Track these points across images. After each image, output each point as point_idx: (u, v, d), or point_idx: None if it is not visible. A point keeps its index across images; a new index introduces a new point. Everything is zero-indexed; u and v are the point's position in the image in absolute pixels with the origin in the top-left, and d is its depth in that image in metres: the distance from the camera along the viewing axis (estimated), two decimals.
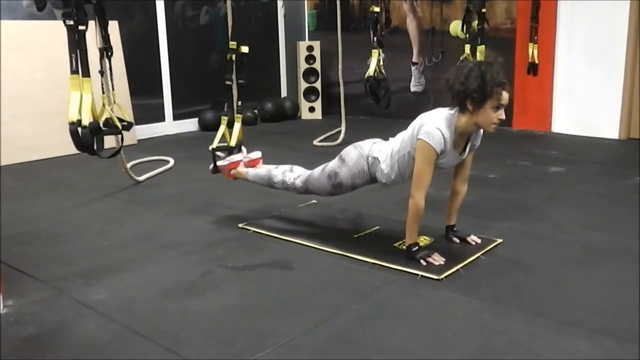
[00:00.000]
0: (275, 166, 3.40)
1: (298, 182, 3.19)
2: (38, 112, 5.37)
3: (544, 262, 2.80)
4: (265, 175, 3.34)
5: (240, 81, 3.72)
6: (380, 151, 2.91)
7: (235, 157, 3.55)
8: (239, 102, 3.78)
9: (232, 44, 3.66)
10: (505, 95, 2.58)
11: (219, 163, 3.55)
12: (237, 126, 3.68)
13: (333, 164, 3.04)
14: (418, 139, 2.66)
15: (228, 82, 3.71)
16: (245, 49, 3.65)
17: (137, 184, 4.46)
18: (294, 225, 3.37)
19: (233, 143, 3.63)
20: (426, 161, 2.66)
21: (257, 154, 3.59)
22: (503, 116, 2.62)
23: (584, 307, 2.34)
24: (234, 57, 3.65)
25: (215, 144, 3.58)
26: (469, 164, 2.93)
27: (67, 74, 3.32)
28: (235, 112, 3.75)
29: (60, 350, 2.12)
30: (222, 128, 3.66)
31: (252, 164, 3.54)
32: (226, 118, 3.68)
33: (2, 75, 5.12)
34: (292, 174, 3.25)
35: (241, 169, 3.49)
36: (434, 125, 2.64)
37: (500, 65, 2.60)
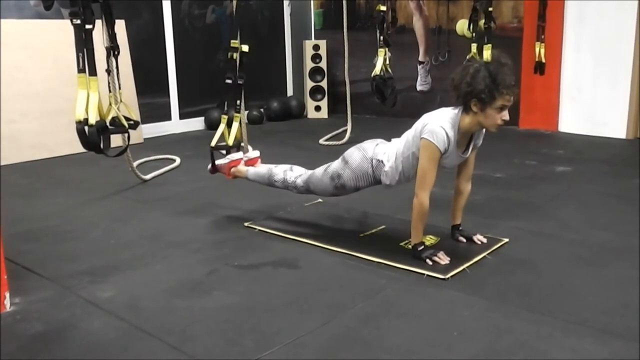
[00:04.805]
0: (275, 165, 3.40)
1: (299, 182, 3.19)
2: (45, 111, 5.40)
3: (550, 262, 2.79)
4: (266, 174, 3.34)
5: (240, 81, 3.69)
6: (385, 153, 2.90)
7: (235, 155, 3.55)
8: (237, 102, 3.75)
9: (235, 43, 3.64)
10: (507, 98, 2.57)
11: (219, 161, 3.55)
12: (235, 125, 3.69)
13: (336, 166, 3.03)
14: (422, 138, 2.66)
15: (228, 81, 3.69)
16: (245, 48, 3.63)
17: (144, 182, 4.47)
18: (300, 224, 3.38)
19: (231, 142, 3.64)
20: (430, 160, 2.66)
21: (255, 153, 3.59)
22: (507, 117, 2.61)
23: (590, 306, 2.33)
24: (235, 55, 3.63)
25: (213, 142, 3.59)
26: (472, 163, 2.93)
27: (74, 72, 3.33)
28: (234, 111, 3.72)
29: (67, 347, 2.13)
30: (222, 127, 3.66)
31: (250, 162, 3.53)
32: (226, 117, 3.68)
33: (10, 73, 5.14)
34: (293, 172, 3.25)
35: (241, 167, 3.49)
36: (438, 124, 2.63)
37: (510, 67, 2.59)
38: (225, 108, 3.73)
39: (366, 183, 2.98)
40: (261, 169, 3.43)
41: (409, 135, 2.82)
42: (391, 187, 2.96)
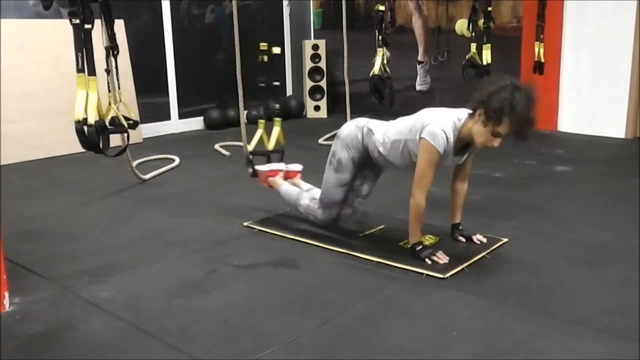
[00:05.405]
0: (309, 187, 3.35)
1: (316, 205, 3.13)
2: (45, 111, 5.39)
3: (549, 262, 2.79)
4: (294, 195, 3.27)
5: (276, 83, 3.61)
6: (376, 125, 2.94)
7: (275, 166, 3.46)
8: (276, 105, 3.67)
9: (263, 45, 3.57)
10: (510, 129, 2.52)
11: (258, 167, 3.45)
12: (277, 130, 3.60)
13: (331, 148, 3.07)
14: (421, 137, 2.66)
15: (262, 84, 3.59)
16: (277, 50, 3.54)
17: (143, 182, 4.46)
18: (299, 224, 3.37)
19: (271, 147, 3.56)
20: (429, 162, 2.66)
21: (297, 167, 3.50)
22: (496, 144, 2.58)
23: (590, 306, 2.33)
24: (265, 58, 3.56)
25: (251, 147, 3.50)
26: (469, 165, 2.94)
27: (74, 72, 3.33)
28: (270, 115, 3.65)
29: (66, 347, 2.13)
30: (260, 132, 3.56)
31: (290, 175, 3.44)
32: (263, 121, 3.58)
33: (9, 73, 5.14)
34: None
35: (278, 179, 3.39)
36: (439, 126, 2.63)
37: (534, 103, 2.51)
38: (262, 112, 3.64)
39: (357, 152, 2.96)
40: (294, 188, 3.34)
41: (406, 123, 2.82)
42: (377, 162, 2.96)
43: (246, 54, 4.95)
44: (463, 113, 2.69)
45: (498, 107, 2.47)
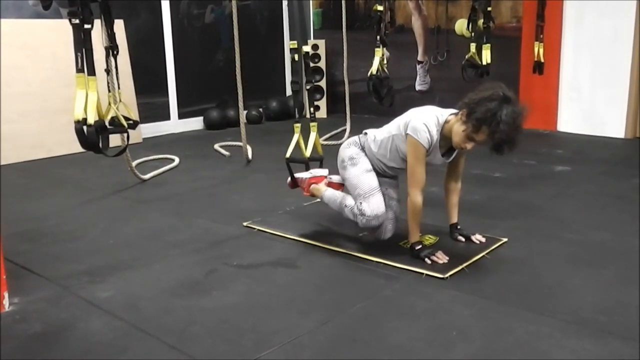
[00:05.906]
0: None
1: (358, 201, 2.94)
2: (44, 110, 5.39)
3: (549, 261, 2.79)
4: (340, 198, 3.07)
5: (308, 86, 3.41)
6: (371, 129, 3.01)
7: (318, 171, 3.34)
8: (311, 109, 3.50)
9: (293, 44, 3.48)
10: (486, 139, 2.52)
11: (299, 175, 3.34)
12: (313, 135, 3.52)
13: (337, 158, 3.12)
14: (407, 134, 2.71)
15: (294, 88, 3.48)
16: (307, 48, 3.42)
17: (143, 182, 4.46)
18: (299, 224, 3.37)
19: (308, 154, 3.49)
20: (416, 158, 2.70)
21: (339, 178, 3.28)
22: (469, 147, 2.61)
23: (589, 306, 2.33)
24: (296, 57, 3.47)
25: (288, 154, 3.42)
26: (462, 163, 2.96)
27: (73, 72, 3.33)
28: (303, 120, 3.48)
29: (66, 347, 2.13)
30: (296, 137, 3.49)
31: (331, 186, 3.28)
32: (299, 125, 3.51)
33: (9, 73, 5.14)
34: None
35: (321, 186, 3.24)
36: (421, 121, 2.68)
37: (519, 133, 2.53)
38: (297, 115, 3.52)
39: (359, 149, 3.00)
40: (338, 192, 3.17)
41: (394, 122, 2.88)
42: (375, 165, 2.97)
43: (255, 52, 4.94)
44: (447, 111, 2.73)
45: (480, 116, 2.48)
